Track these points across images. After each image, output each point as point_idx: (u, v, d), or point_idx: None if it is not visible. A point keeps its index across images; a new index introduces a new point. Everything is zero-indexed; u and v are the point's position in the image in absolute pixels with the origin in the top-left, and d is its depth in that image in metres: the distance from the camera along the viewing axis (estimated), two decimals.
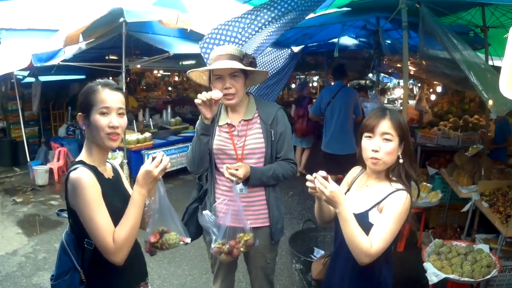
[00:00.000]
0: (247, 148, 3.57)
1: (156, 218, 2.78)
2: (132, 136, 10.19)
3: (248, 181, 3.49)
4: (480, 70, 4.30)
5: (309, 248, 5.38)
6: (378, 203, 2.67)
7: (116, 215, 2.51)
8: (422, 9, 4.69)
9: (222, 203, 3.55)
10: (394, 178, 2.72)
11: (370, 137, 2.71)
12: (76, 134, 12.30)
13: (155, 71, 20.01)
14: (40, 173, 10.54)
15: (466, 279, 4.19)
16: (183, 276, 6.01)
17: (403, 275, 5.60)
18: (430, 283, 4.31)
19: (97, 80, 2.63)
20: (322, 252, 5.31)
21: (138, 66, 12.95)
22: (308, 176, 2.58)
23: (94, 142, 2.58)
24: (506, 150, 8.48)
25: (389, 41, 7.59)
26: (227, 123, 3.61)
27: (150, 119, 12.50)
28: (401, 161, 2.72)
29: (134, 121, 11.40)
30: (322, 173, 2.54)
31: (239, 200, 3.40)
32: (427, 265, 4.41)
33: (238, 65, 3.39)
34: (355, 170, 3.06)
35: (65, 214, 2.72)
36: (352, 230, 2.49)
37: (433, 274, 4.27)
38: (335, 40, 9.02)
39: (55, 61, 9.37)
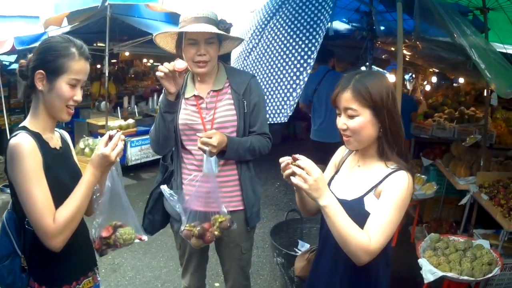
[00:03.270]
0: (217, 121, 3.14)
1: (107, 209, 2.41)
2: (115, 123, 9.82)
3: (223, 154, 3.05)
4: (482, 49, 3.96)
5: (293, 240, 5.02)
6: (375, 187, 2.24)
7: (62, 192, 2.17)
8: None
9: (190, 183, 3.13)
10: (388, 157, 2.28)
11: (339, 114, 2.31)
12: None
13: (144, 60, 19.66)
14: None
15: (465, 277, 3.78)
16: (157, 268, 5.66)
17: (395, 272, 5.19)
18: (426, 281, 3.86)
19: (69, 37, 2.26)
20: (307, 245, 4.96)
21: (127, 53, 12.65)
22: (282, 159, 2.16)
23: (46, 108, 2.23)
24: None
25: (383, 27, 7.21)
26: (194, 95, 3.19)
27: (136, 106, 12.06)
28: (380, 135, 2.28)
29: (119, 108, 11.05)
30: (299, 157, 2.12)
31: (214, 179, 2.99)
32: (423, 262, 3.97)
33: (216, 30, 3.00)
34: (343, 149, 2.62)
35: (9, 190, 2.36)
36: (343, 225, 2.04)
37: (429, 271, 3.84)
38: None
39: (37, 44, 8.89)
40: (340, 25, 8.90)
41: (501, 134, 7.78)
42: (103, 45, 10.51)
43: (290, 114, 4.16)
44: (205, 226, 2.97)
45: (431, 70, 11.80)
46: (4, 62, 11.57)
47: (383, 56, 9.19)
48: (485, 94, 7.90)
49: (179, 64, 2.78)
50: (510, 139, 7.65)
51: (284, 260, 4.43)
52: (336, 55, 7.77)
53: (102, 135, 8.67)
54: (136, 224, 2.53)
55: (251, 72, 4.52)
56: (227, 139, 3.02)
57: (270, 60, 4.36)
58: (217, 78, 3.22)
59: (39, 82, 2.19)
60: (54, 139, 2.36)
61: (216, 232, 2.96)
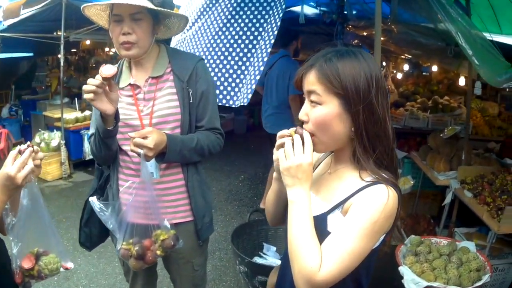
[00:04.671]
0: (157, 115, 2.65)
1: (25, 234, 1.97)
2: (71, 115, 9.28)
3: (163, 156, 2.56)
4: (468, 33, 3.57)
5: (257, 243, 4.62)
6: (343, 203, 1.72)
7: None
8: None
9: (127, 191, 2.65)
10: (362, 166, 1.74)
11: (305, 98, 1.80)
12: (19, 115, 11.30)
13: (106, 49, 19.11)
14: None
15: (453, 287, 3.38)
16: (113, 275, 5.19)
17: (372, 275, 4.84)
18: None
19: None
20: (274, 248, 4.55)
21: (88, 42, 12.16)
22: (283, 132, 1.76)
23: None
24: None
25: (355, 11, 6.82)
26: (129, 84, 2.69)
27: None
28: (352, 136, 1.73)
29: (76, 99, 10.41)
30: (306, 134, 1.70)
31: (152, 187, 2.50)
32: (404, 270, 3.53)
33: (142, 1, 2.47)
34: None
35: None
36: (297, 233, 1.62)
37: (411, 281, 3.40)
38: (295, 8, 8.16)
39: None
40: (307, 10, 8.42)
41: (477, 124, 7.49)
42: (64, 33, 10.14)
43: (249, 97, 3.73)
44: (145, 244, 2.54)
45: (402, 57, 11.50)
46: None
47: (353, 42, 8.80)
48: (461, 83, 7.64)
49: (107, 70, 2.24)
50: (486, 130, 7.36)
51: (248, 269, 4.01)
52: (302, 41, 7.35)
53: (58, 128, 8.65)
54: (61, 249, 2.08)
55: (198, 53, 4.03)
56: (167, 138, 2.54)
57: (221, 40, 3.93)
58: (157, 62, 2.72)
59: None
60: None
61: (158, 252, 2.53)
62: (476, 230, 4.75)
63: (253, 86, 3.65)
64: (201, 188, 2.85)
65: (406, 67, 12.12)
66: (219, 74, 3.88)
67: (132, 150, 2.46)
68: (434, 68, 10.39)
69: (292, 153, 1.66)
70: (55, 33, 10.31)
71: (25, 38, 8.67)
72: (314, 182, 1.88)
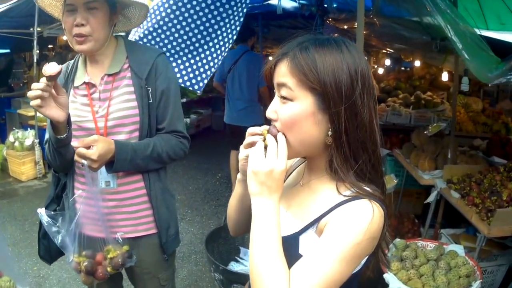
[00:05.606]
0: (112, 117, 2.41)
1: None
2: None
3: (112, 166, 2.34)
4: (457, 26, 3.39)
5: (233, 248, 4.41)
6: (317, 221, 1.45)
7: None
8: None
9: (79, 200, 2.43)
10: (340, 178, 1.46)
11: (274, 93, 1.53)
12: None
13: None
14: None
15: None
16: None
17: None
18: None
19: None
20: None
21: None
22: (254, 129, 1.51)
23: None
24: None
25: (335, 4, 6.64)
26: (84, 82, 2.46)
27: None
28: (328, 142, 1.45)
29: None
30: (281, 136, 1.44)
31: (99, 197, 2.32)
32: (389, 277, 3.33)
33: None
34: None
35: None
36: (263, 253, 1.35)
37: None
38: (272, 1, 7.97)
39: None
40: (285, 3, 8.20)
41: (461, 120, 7.37)
42: (39, 29, 9.88)
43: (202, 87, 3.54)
44: (96, 258, 2.36)
45: (384, 51, 11.38)
46: None
47: (335, 35, 8.61)
48: (444, 78, 7.48)
49: (50, 68, 1.99)
50: (471, 126, 7.24)
51: (223, 276, 3.82)
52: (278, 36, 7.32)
53: (32, 127, 8.55)
54: (15, 272, 1.87)
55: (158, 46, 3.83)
56: (115, 147, 2.31)
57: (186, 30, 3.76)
58: (114, 57, 2.48)
59: None
60: None
61: (108, 269, 2.34)
62: (463, 231, 4.59)
63: (208, 73, 3.47)
64: (164, 196, 2.63)
65: (387, 62, 12.04)
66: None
67: (76, 161, 2.27)
68: (416, 63, 10.27)
69: (262, 155, 1.41)
70: (31, 29, 10.13)
71: (1, 35, 8.48)
72: (285, 195, 1.60)
